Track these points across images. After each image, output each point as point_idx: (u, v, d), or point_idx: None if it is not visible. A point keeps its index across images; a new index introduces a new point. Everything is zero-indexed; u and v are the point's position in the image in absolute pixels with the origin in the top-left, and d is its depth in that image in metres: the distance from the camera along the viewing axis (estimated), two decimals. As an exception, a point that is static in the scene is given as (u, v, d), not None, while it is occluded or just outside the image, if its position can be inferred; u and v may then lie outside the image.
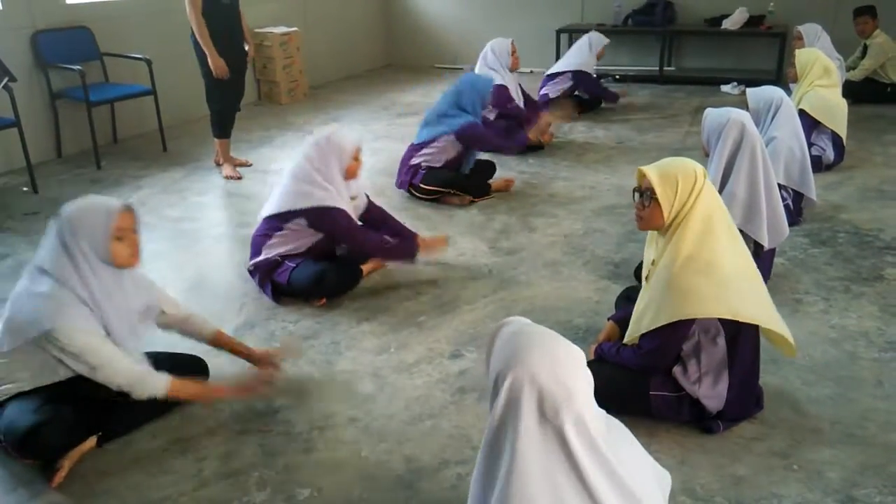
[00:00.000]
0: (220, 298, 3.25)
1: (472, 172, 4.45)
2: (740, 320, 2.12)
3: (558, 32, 7.73)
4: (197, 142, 5.62)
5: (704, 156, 3.08)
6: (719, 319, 2.14)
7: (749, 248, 2.66)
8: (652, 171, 2.17)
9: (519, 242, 3.76)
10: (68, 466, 2.14)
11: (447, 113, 4.29)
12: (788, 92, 4.35)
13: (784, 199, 3.38)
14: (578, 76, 6.10)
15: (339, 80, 8.16)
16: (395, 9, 8.91)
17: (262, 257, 3.18)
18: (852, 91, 5.84)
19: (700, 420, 2.27)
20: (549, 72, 6.36)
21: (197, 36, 4.46)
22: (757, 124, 3.36)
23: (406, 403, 2.48)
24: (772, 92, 3.68)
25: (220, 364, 2.61)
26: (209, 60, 4.49)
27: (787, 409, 2.38)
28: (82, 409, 2.17)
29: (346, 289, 3.20)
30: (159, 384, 2.18)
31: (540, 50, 7.66)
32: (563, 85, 6.16)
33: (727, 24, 7.22)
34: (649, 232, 2.32)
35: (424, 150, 4.29)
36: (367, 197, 3.41)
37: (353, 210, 3.24)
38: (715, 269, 2.10)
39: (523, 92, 5.58)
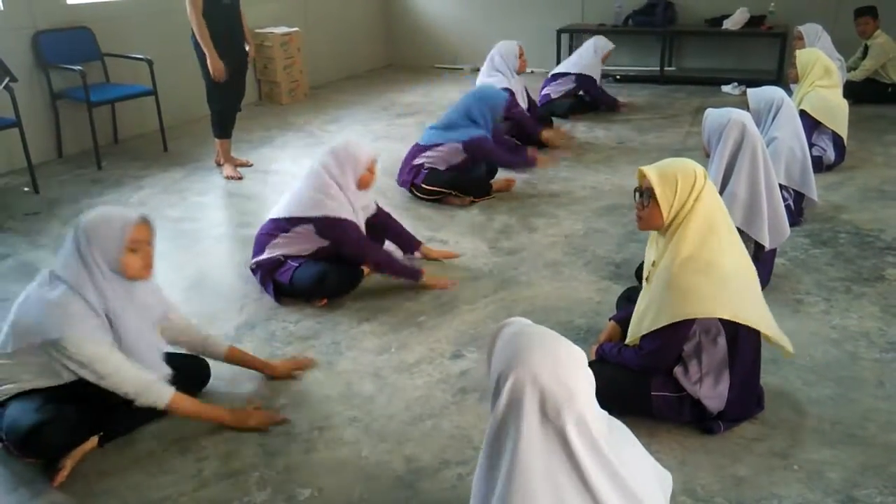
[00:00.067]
0: (220, 298, 3.25)
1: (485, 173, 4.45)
2: (739, 321, 2.12)
3: (559, 32, 7.73)
4: (198, 142, 5.63)
5: (705, 156, 3.08)
6: (720, 320, 2.14)
7: (750, 248, 2.67)
8: (652, 172, 2.17)
9: (520, 242, 3.76)
10: (70, 466, 2.14)
11: (458, 123, 4.29)
12: (789, 92, 4.35)
13: (785, 200, 3.38)
14: (581, 79, 6.12)
15: (339, 80, 8.16)
16: (395, 9, 8.92)
17: (265, 256, 3.18)
18: (853, 91, 5.84)
19: (701, 420, 2.26)
20: (552, 72, 6.38)
21: (197, 36, 4.47)
22: (758, 125, 3.36)
23: (406, 404, 2.48)
24: (772, 92, 3.68)
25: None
26: (208, 62, 4.50)
27: (788, 410, 2.38)
28: (84, 409, 2.17)
29: (348, 289, 3.20)
30: (162, 396, 2.18)
31: (540, 50, 7.67)
32: (566, 87, 6.20)
33: (728, 25, 7.22)
34: (651, 232, 2.32)
35: (429, 153, 4.29)
36: (376, 203, 3.41)
37: (363, 213, 3.25)
38: (715, 270, 2.10)
39: (528, 95, 5.60)
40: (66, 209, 4.34)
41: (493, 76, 5.34)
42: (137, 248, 2.19)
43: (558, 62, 7.34)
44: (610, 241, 3.74)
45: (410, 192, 4.36)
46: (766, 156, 2.94)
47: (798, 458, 2.17)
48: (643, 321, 2.21)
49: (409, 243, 3.52)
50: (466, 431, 2.33)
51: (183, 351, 2.54)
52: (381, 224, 3.44)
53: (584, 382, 1.34)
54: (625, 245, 3.69)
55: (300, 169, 5.04)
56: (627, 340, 2.33)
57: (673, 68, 7.76)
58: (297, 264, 3.13)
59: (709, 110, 3.08)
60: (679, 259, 2.12)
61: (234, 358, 2.56)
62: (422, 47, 8.87)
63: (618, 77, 7.58)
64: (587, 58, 6.16)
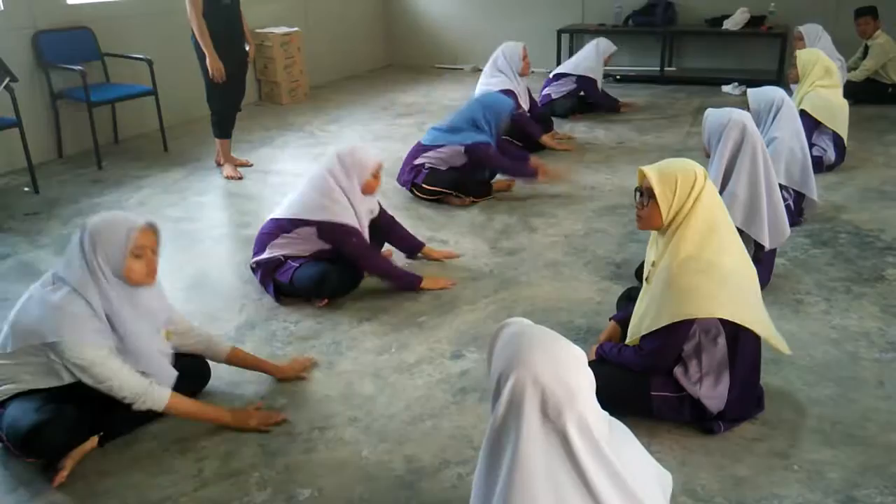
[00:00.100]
0: (220, 298, 3.25)
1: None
2: (738, 322, 2.12)
3: (559, 32, 7.74)
4: (198, 142, 5.63)
5: (705, 156, 3.08)
6: (719, 320, 2.14)
7: (750, 248, 2.67)
8: (652, 172, 2.18)
9: (520, 243, 3.76)
10: (70, 466, 2.14)
11: (462, 127, 4.29)
12: (789, 92, 4.35)
13: (785, 200, 3.38)
14: (582, 81, 6.13)
15: (339, 80, 8.16)
16: (395, 9, 8.92)
17: (265, 255, 3.18)
18: (853, 91, 5.84)
19: (701, 420, 2.26)
20: (553, 72, 6.38)
21: (197, 37, 4.47)
22: (758, 125, 3.36)
23: (407, 404, 2.48)
24: (773, 92, 3.68)
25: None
26: (207, 62, 4.50)
27: (788, 410, 2.38)
28: (84, 409, 2.17)
29: (349, 289, 3.20)
30: (159, 399, 2.18)
31: (541, 50, 7.66)
32: (567, 88, 6.20)
33: (728, 25, 7.22)
34: (652, 232, 2.33)
35: (430, 153, 4.29)
36: (379, 204, 3.41)
37: (367, 216, 3.25)
38: (715, 270, 2.10)
39: (531, 97, 5.60)
40: (67, 209, 4.34)
41: (495, 76, 5.34)
42: (142, 255, 2.17)
43: (558, 62, 7.35)
44: (610, 242, 3.74)
45: (411, 191, 4.36)
46: (767, 156, 2.94)
47: (798, 458, 2.17)
48: (643, 321, 2.21)
49: (411, 246, 3.53)
50: (466, 431, 2.32)
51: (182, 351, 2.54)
52: (385, 226, 3.44)
53: (584, 382, 1.34)
54: (625, 245, 3.69)
55: (300, 169, 5.05)
56: (627, 340, 2.33)
57: (673, 68, 7.76)
58: (297, 264, 3.13)
59: (709, 110, 3.08)
60: (679, 259, 2.12)
61: (239, 360, 2.55)
62: (422, 47, 8.87)
63: (618, 77, 7.58)
64: (589, 59, 6.16)
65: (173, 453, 2.26)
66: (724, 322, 2.15)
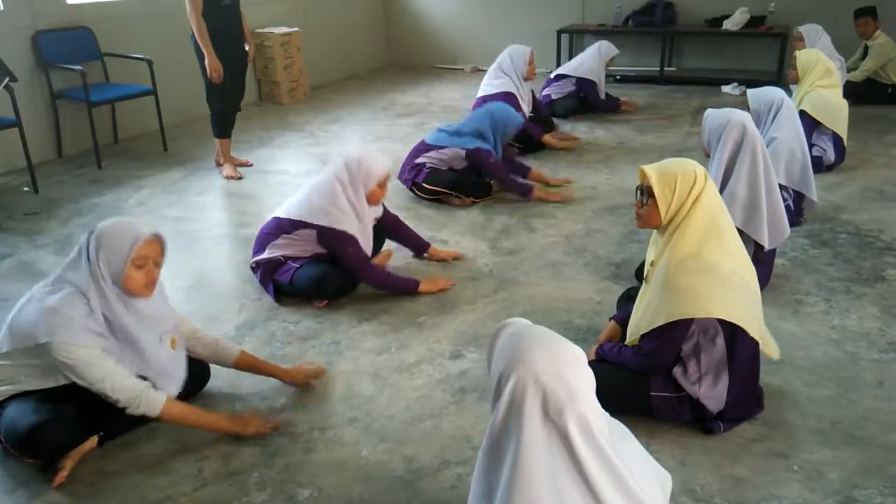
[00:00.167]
0: (220, 298, 3.25)
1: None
2: (735, 323, 2.13)
3: (559, 33, 7.74)
4: (197, 142, 5.63)
5: (705, 156, 3.08)
6: (718, 320, 2.14)
7: (749, 249, 2.67)
8: (652, 171, 2.18)
9: (519, 243, 3.76)
10: (70, 466, 2.14)
11: (467, 133, 4.28)
12: (789, 93, 4.35)
13: (785, 200, 3.38)
14: (582, 83, 6.13)
15: (339, 80, 8.17)
16: (395, 9, 8.92)
17: (265, 255, 3.18)
18: (853, 92, 5.84)
19: (701, 421, 2.26)
20: (554, 73, 6.38)
21: (196, 37, 4.47)
22: (758, 125, 3.36)
23: (406, 404, 2.48)
24: (772, 92, 3.68)
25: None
26: (206, 62, 4.50)
27: (788, 410, 2.38)
28: (83, 409, 2.17)
29: (349, 290, 3.20)
30: (154, 404, 2.14)
31: (541, 50, 7.61)
32: (567, 89, 6.22)
33: (728, 25, 7.22)
34: (652, 232, 2.33)
35: (432, 153, 4.30)
36: (383, 204, 3.40)
37: (371, 219, 3.24)
38: (714, 270, 2.11)
39: (535, 100, 5.61)
40: (66, 209, 4.34)
41: (499, 78, 5.34)
42: (143, 265, 2.15)
43: (558, 62, 7.37)
44: (610, 242, 3.74)
45: (411, 190, 4.36)
46: (766, 156, 2.94)
47: (798, 458, 2.17)
48: (642, 321, 2.21)
49: (418, 246, 3.52)
50: (466, 431, 2.32)
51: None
52: (390, 226, 3.44)
53: (585, 381, 1.34)
54: (625, 245, 3.69)
55: (300, 169, 5.06)
56: (627, 340, 2.33)
57: (673, 68, 7.76)
58: (297, 265, 3.13)
59: (709, 111, 3.08)
60: (677, 258, 2.12)
61: (246, 364, 2.50)
62: (422, 47, 8.88)
63: (618, 77, 7.58)
64: (590, 61, 6.17)
65: (173, 453, 2.26)
66: (722, 322, 2.15)
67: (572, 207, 4.21)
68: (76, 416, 2.14)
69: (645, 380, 2.25)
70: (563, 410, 1.30)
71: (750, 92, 3.73)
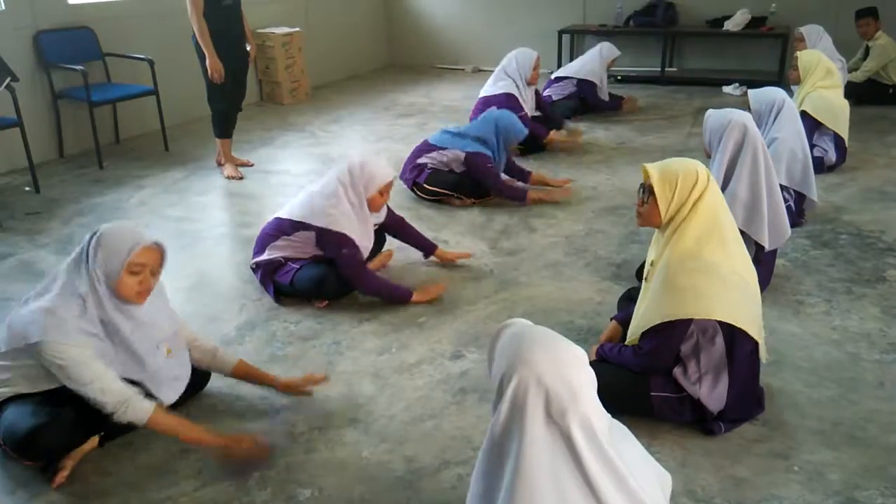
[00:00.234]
0: (220, 298, 3.25)
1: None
2: (733, 323, 2.12)
3: (560, 33, 7.74)
4: (199, 142, 5.63)
5: (706, 157, 3.08)
6: (717, 320, 2.14)
7: (750, 249, 2.67)
8: (653, 170, 2.18)
9: (520, 243, 3.76)
10: (70, 466, 2.14)
11: (469, 137, 4.28)
12: (790, 93, 4.35)
13: (786, 201, 3.38)
14: (582, 84, 6.13)
15: (340, 80, 8.17)
16: (396, 9, 8.92)
17: (265, 256, 3.18)
18: (854, 92, 5.85)
19: (701, 421, 2.26)
20: (555, 74, 6.39)
21: (197, 37, 4.47)
22: (759, 125, 3.36)
23: (407, 404, 2.48)
24: (773, 93, 3.68)
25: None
26: (207, 62, 4.50)
27: (789, 411, 2.38)
28: (82, 412, 2.15)
29: (349, 291, 3.19)
30: (141, 413, 2.08)
31: (541, 51, 7.55)
32: (567, 90, 6.22)
33: (729, 26, 7.22)
34: (654, 233, 2.32)
35: (434, 154, 4.29)
36: (388, 207, 3.39)
37: (372, 227, 3.24)
38: (714, 270, 2.10)
39: (540, 100, 5.61)
40: (67, 209, 4.34)
41: (502, 80, 5.34)
42: (139, 272, 2.13)
43: (559, 63, 7.37)
44: (610, 242, 3.74)
45: (412, 190, 4.36)
46: (767, 157, 2.94)
47: (798, 459, 2.16)
48: (642, 320, 2.21)
49: (424, 247, 3.50)
50: (467, 432, 2.32)
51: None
52: (394, 227, 3.43)
53: (586, 381, 1.34)
54: (625, 245, 3.69)
55: (301, 169, 5.06)
56: (627, 340, 2.33)
57: (674, 69, 7.76)
58: (298, 266, 3.13)
59: (710, 111, 3.08)
60: (677, 258, 2.12)
61: (244, 373, 2.48)
62: (423, 47, 8.88)
63: (619, 78, 7.58)
64: (591, 63, 6.17)
65: (173, 453, 2.26)
66: (721, 322, 2.14)
67: (573, 208, 4.21)
68: (75, 419, 2.13)
69: (645, 380, 2.25)
70: (566, 411, 1.29)
71: (751, 92, 3.73)
